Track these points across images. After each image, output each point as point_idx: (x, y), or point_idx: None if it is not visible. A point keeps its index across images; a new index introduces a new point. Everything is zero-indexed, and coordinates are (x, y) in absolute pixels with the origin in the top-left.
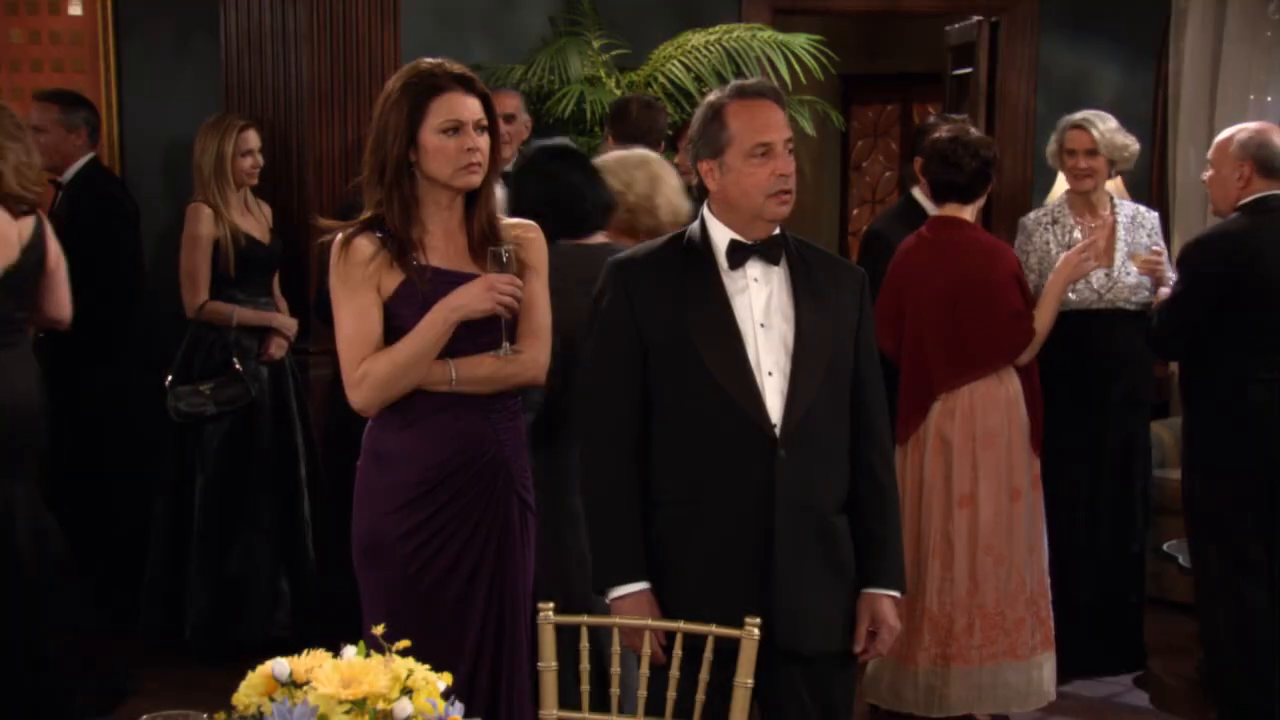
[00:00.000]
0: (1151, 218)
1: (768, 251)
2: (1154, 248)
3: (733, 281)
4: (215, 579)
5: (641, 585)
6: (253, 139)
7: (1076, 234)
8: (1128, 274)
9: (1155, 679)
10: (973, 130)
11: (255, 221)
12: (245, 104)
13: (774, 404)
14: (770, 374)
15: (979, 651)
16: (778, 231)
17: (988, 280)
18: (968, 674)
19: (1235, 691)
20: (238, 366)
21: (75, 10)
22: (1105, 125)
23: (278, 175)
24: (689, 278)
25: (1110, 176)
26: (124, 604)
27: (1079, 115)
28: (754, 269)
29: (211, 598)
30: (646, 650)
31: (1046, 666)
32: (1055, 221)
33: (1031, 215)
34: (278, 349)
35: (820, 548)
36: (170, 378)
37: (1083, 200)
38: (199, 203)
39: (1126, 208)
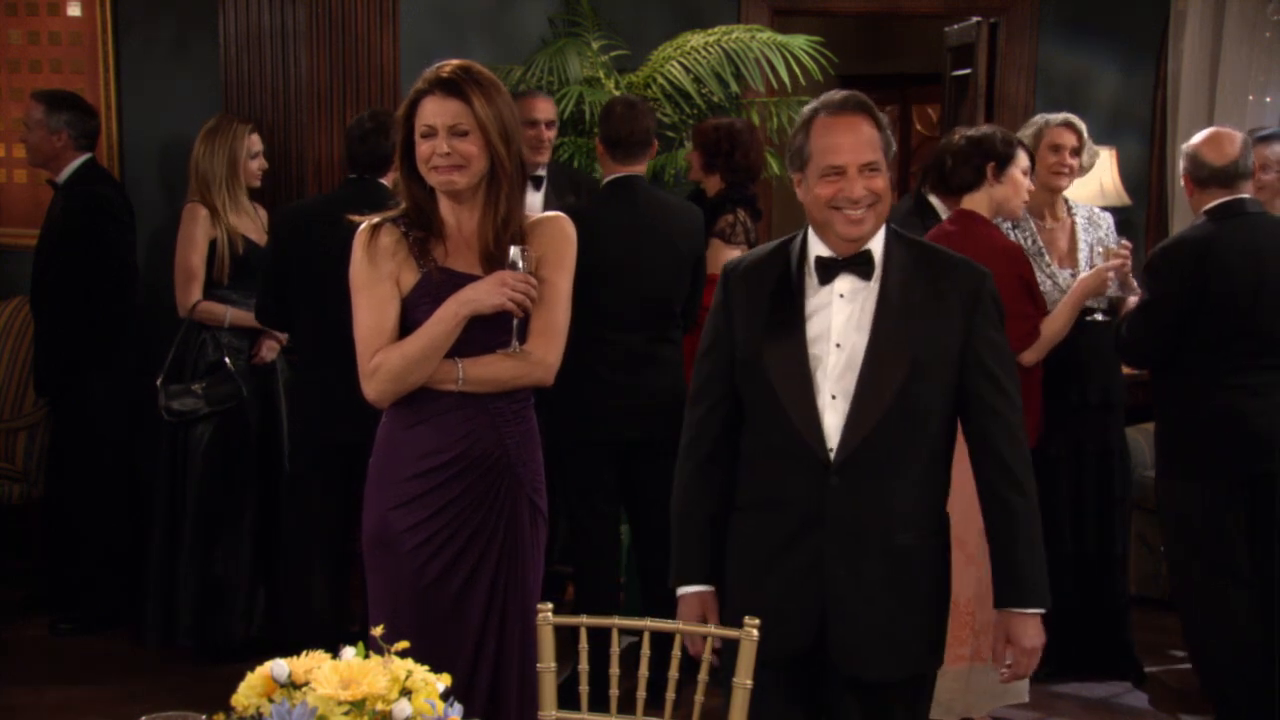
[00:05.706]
0: (1106, 218)
1: (857, 266)
2: (1124, 242)
3: (819, 297)
4: (201, 580)
5: (701, 587)
6: (258, 141)
7: (1038, 238)
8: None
9: (1155, 679)
10: None
11: (251, 223)
12: (244, 105)
13: (833, 428)
14: (834, 397)
15: (947, 652)
16: (872, 244)
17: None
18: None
19: (1231, 694)
20: (229, 365)
21: (74, 11)
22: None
23: (276, 176)
24: (780, 291)
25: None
26: (122, 604)
27: (1062, 115)
28: (843, 284)
29: (197, 599)
30: (647, 651)
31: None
32: (1016, 226)
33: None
34: (269, 351)
35: (883, 572)
36: (161, 377)
37: (1046, 202)
38: (195, 203)
39: (1081, 209)
